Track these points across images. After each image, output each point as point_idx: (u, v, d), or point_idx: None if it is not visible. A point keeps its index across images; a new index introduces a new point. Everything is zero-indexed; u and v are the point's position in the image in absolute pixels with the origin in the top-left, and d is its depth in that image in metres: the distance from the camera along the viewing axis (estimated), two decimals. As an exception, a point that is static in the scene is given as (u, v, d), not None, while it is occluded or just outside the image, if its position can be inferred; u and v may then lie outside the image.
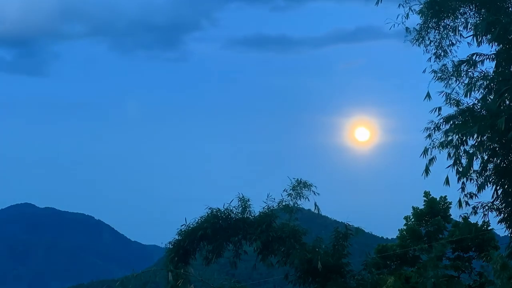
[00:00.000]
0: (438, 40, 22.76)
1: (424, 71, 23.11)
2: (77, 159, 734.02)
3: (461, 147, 22.01)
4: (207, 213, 24.07)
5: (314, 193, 23.93)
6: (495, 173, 21.75)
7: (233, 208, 24.23)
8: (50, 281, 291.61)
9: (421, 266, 30.65)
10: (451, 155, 22.30)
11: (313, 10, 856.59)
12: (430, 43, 22.86)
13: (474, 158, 21.44)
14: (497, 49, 21.47)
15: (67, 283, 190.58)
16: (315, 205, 23.99)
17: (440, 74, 22.86)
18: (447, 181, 22.56)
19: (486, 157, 21.62)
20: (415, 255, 33.13)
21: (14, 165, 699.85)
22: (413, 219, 34.22)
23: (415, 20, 22.76)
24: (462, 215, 24.48)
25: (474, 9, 21.88)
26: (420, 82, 23.49)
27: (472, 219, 25.81)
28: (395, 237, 36.19)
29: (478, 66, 21.80)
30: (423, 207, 34.31)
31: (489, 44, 21.50)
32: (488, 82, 21.25)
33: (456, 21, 22.21)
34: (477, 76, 21.84)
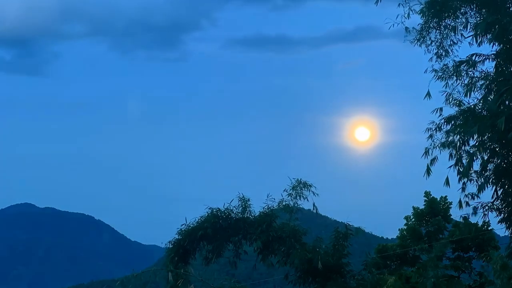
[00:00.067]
0: (439, 40, 22.76)
1: (425, 71, 23.14)
2: (77, 159, 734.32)
3: (463, 148, 22.02)
4: (207, 213, 24.08)
5: (314, 194, 23.97)
6: (495, 173, 21.75)
7: (233, 208, 24.26)
8: (50, 281, 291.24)
9: (421, 266, 30.63)
10: (453, 156, 22.32)
11: (313, 10, 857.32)
12: (431, 43, 22.86)
13: (474, 158, 21.47)
14: (497, 49, 21.48)
15: (67, 283, 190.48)
16: (314, 205, 24.02)
17: (440, 74, 22.87)
18: (447, 182, 22.58)
19: (486, 157, 21.62)
20: (415, 255, 33.12)
21: (14, 165, 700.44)
22: (413, 219, 34.21)
23: (415, 20, 22.80)
24: (462, 215, 24.50)
25: (474, 9, 21.88)
26: (421, 82, 23.51)
27: (472, 219, 25.84)
28: (395, 237, 36.19)
29: (479, 66, 21.84)
30: (423, 207, 34.30)
31: (489, 44, 21.54)
32: (488, 82, 21.26)
33: (456, 21, 22.20)
34: (477, 76, 21.88)
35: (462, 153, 22.07)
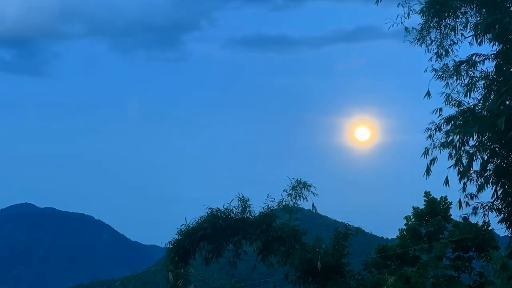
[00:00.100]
0: (439, 40, 22.75)
1: (425, 71, 23.14)
2: (77, 159, 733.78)
3: (462, 148, 22.02)
4: (207, 213, 24.08)
5: (313, 194, 23.97)
6: (495, 173, 21.75)
7: (233, 208, 24.25)
8: (50, 281, 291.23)
9: (421, 266, 30.62)
10: (452, 156, 22.31)
11: (313, 10, 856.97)
12: (431, 42, 22.85)
13: (474, 158, 21.47)
14: (497, 49, 21.48)
15: (67, 283, 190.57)
16: (313, 205, 24.03)
17: (441, 73, 22.86)
18: (446, 182, 22.58)
19: (486, 157, 21.62)
20: (415, 255, 33.11)
21: (14, 165, 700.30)
22: (413, 219, 34.21)
23: (415, 20, 22.79)
24: (462, 215, 24.50)
25: (474, 8, 21.87)
26: (421, 82, 23.51)
27: (472, 219, 25.85)
28: (395, 237, 36.18)
29: (479, 66, 21.84)
30: (423, 207, 34.30)
31: (489, 44, 21.53)
32: (488, 82, 21.26)
33: (456, 20, 22.20)
34: (477, 76, 21.87)
35: (461, 153, 22.06)
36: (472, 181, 22.50)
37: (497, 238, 32.46)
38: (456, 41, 22.77)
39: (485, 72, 21.70)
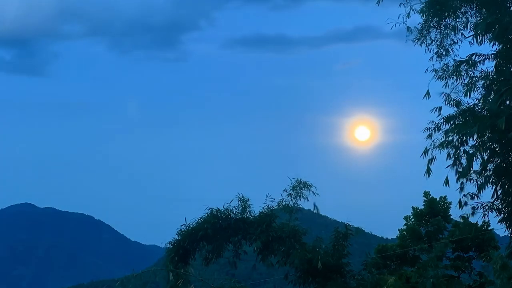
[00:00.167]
0: (440, 39, 22.74)
1: (426, 71, 23.11)
2: (77, 159, 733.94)
3: (461, 147, 22.00)
4: (207, 213, 24.09)
5: (314, 194, 23.97)
6: (495, 173, 21.74)
7: (233, 208, 24.27)
8: (50, 281, 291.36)
9: (421, 266, 30.59)
10: (451, 155, 22.29)
11: (312, 10, 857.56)
12: (431, 42, 22.84)
13: (474, 158, 21.45)
14: (497, 49, 21.47)
15: (67, 283, 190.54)
16: (314, 205, 24.04)
17: (441, 73, 22.84)
18: (446, 182, 22.56)
19: (486, 157, 21.61)
20: (415, 255, 33.07)
21: (14, 165, 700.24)
22: (413, 219, 34.16)
23: (416, 20, 22.77)
24: (462, 215, 24.49)
25: (475, 8, 21.86)
26: (421, 81, 23.49)
27: (472, 219, 25.82)
28: (395, 237, 36.13)
29: (479, 66, 21.83)
30: (423, 207, 34.26)
31: (489, 44, 21.53)
32: (488, 82, 21.25)
33: (457, 20, 22.19)
34: (477, 76, 21.86)
35: (460, 153, 22.04)
36: (472, 181, 22.49)
37: (497, 238, 32.42)
38: (456, 41, 22.77)
39: (485, 72, 21.70)
